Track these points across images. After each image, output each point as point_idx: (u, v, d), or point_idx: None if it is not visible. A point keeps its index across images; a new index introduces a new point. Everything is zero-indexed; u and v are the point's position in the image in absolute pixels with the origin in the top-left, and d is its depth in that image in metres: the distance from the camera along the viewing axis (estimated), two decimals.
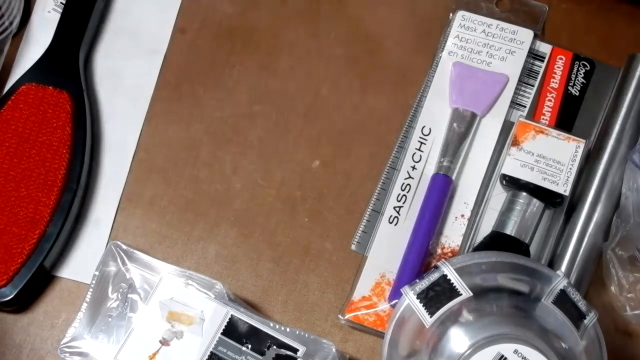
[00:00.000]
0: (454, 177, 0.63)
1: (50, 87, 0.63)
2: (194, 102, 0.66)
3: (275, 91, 0.66)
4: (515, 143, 0.61)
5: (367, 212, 0.63)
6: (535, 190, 0.60)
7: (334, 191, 0.64)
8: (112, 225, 0.63)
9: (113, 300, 0.59)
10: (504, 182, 0.61)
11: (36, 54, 0.65)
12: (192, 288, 0.59)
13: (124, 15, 0.68)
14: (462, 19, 0.67)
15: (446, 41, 0.66)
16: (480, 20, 0.66)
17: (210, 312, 0.58)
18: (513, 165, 0.61)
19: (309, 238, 0.63)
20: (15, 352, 0.60)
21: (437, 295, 0.52)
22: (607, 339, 0.53)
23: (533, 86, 0.66)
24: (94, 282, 0.60)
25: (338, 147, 0.65)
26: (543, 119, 0.65)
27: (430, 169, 0.63)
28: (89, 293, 0.60)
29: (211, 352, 0.57)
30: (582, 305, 0.52)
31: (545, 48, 0.66)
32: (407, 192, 0.63)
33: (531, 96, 0.65)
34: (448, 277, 0.52)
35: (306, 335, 0.58)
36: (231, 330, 0.57)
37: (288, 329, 0.58)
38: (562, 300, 0.52)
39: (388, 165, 0.64)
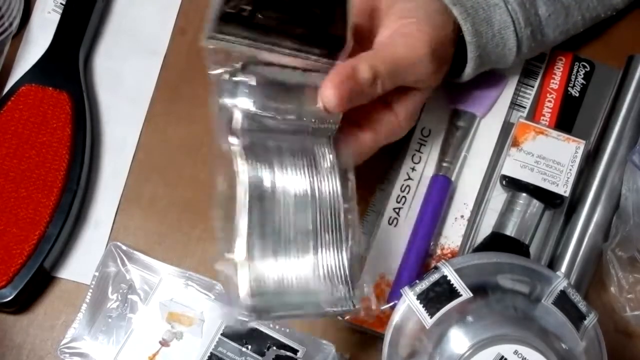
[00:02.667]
0: (453, 178, 0.63)
1: (50, 88, 0.63)
2: (194, 102, 0.66)
3: None
4: (515, 144, 0.61)
5: (367, 214, 0.63)
6: (535, 191, 0.60)
7: None
8: (112, 226, 0.63)
9: (113, 301, 0.59)
10: (503, 182, 0.61)
11: (36, 54, 0.65)
12: (192, 289, 0.59)
13: (124, 16, 0.68)
14: None
15: None
16: None
17: (210, 313, 0.58)
18: (513, 166, 0.61)
19: None
20: (15, 353, 0.60)
21: (437, 296, 0.52)
22: (607, 340, 0.53)
23: (533, 87, 0.66)
24: (93, 282, 0.60)
25: None
26: (543, 119, 0.65)
27: (430, 170, 0.63)
28: (89, 294, 0.60)
29: (211, 353, 0.57)
30: (582, 306, 0.52)
31: None
32: (407, 193, 0.63)
33: (531, 97, 0.65)
34: (448, 278, 0.52)
35: (306, 336, 0.58)
36: (231, 331, 0.57)
37: (288, 330, 0.58)
38: (562, 301, 0.52)
39: (387, 166, 0.64)
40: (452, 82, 0.61)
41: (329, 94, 0.50)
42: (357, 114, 0.54)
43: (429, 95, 0.59)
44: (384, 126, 0.56)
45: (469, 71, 0.59)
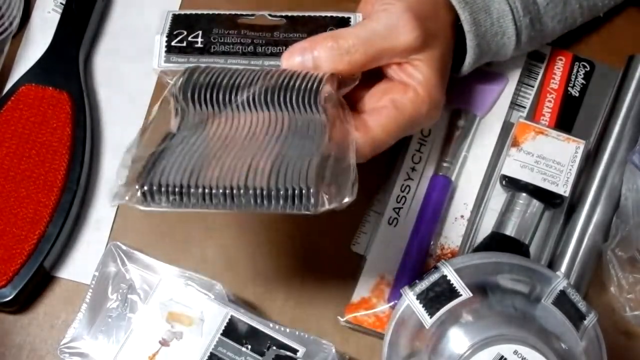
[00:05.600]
0: (453, 178, 0.63)
1: (50, 88, 0.63)
2: None
3: None
4: (515, 144, 0.61)
5: (367, 213, 0.63)
6: (535, 191, 0.60)
7: None
8: (112, 226, 0.63)
9: (113, 300, 0.59)
10: (503, 182, 0.61)
11: (36, 54, 0.65)
12: (191, 289, 0.59)
13: (124, 16, 0.68)
14: None
15: None
16: None
17: (210, 313, 0.58)
18: (513, 166, 0.61)
19: (308, 239, 0.63)
20: (15, 353, 0.60)
21: (436, 296, 0.52)
22: (607, 340, 0.53)
23: (533, 87, 0.66)
24: (93, 282, 0.60)
25: None
26: (543, 119, 0.65)
27: (430, 170, 0.63)
28: (89, 294, 0.60)
29: (211, 353, 0.57)
30: (581, 306, 0.53)
31: (545, 49, 0.66)
32: (407, 193, 0.63)
33: (531, 97, 0.65)
34: (448, 278, 0.52)
35: (306, 336, 0.58)
36: (231, 330, 0.57)
37: (288, 330, 0.58)
38: (562, 301, 0.52)
39: (387, 166, 0.64)
40: (454, 79, 0.60)
41: (284, 57, 0.54)
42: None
43: (444, 63, 0.57)
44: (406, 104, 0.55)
45: (469, 61, 0.59)
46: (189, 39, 0.57)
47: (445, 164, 0.63)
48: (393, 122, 0.54)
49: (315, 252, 0.62)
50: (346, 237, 0.62)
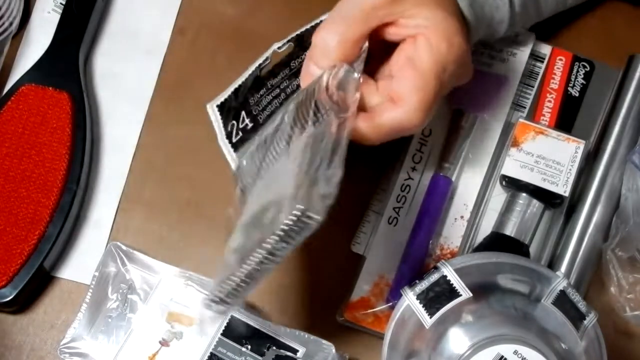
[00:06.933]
0: (453, 178, 0.63)
1: (50, 88, 0.63)
2: (193, 103, 0.66)
3: None
4: (515, 144, 0.61)
5: (367, 213, 0.63)
6: (535, 191, 0.60)
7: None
8: (112, 226, 0.63)
9: (113, 300, 0.59)
10: (503, 182, 0.61)
11: (36, 54, 0.65)
12: (191, 289, 0.59)
13: (123, 16, 0.68)
14: None
15: None
16: None
17: (210, 313, 0.58)
18: (513, 166, 0.61)
19: (308, 238, 0.63)
20: (15, 353, 0.60)
21: (436, 296, 0.52)
22: (607, 340, 0.53)
23: (533, 87, 0.66)
24: (93, 282, 0.60)
25: None
26: (543, 119, 0.65)
27: (430, 170, 0.63)
28: (89, 294, 0.60)
29: (211, 353, 0.57)
30: (581, 306, 0.53)
31: (545, 49, 0.66)
32: (407, 193, 0.63)
33: (531, 97, 0.65)
34: (448, 278, 0.52)
35: (306, 336, 0.58)
36: (231, 330, 0.57)
37: (287, 330, 0.58)
38: (562, 301, 0.52)
39: (387, 166, 0.64)
40: None
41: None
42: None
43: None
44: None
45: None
46: (240, 126, 0.60)
47: (445, 164, 0.63)
48: (420, 80, 0.51)
49: (315, 252, 0.62)
50: (346, 237, 0.62)
